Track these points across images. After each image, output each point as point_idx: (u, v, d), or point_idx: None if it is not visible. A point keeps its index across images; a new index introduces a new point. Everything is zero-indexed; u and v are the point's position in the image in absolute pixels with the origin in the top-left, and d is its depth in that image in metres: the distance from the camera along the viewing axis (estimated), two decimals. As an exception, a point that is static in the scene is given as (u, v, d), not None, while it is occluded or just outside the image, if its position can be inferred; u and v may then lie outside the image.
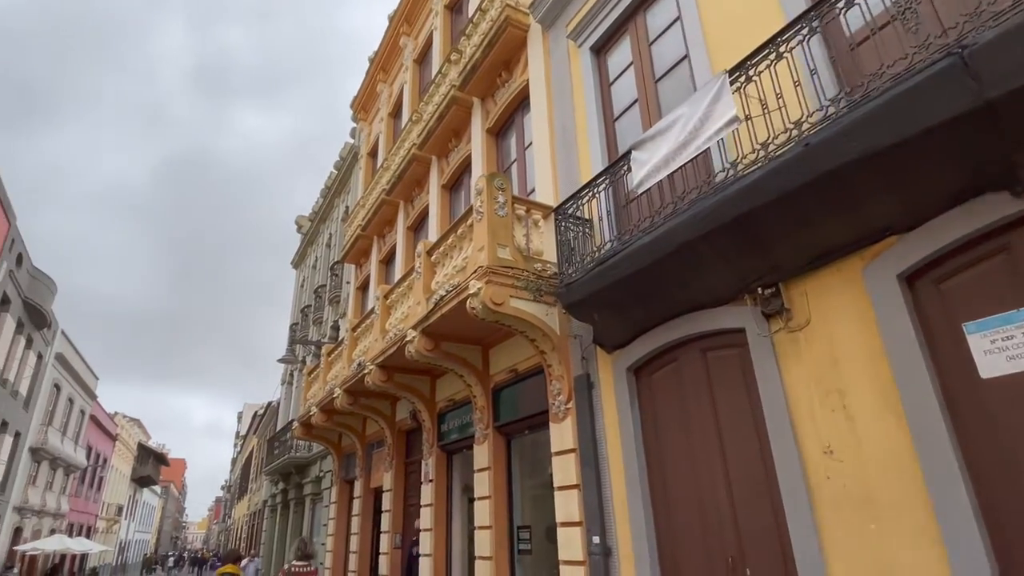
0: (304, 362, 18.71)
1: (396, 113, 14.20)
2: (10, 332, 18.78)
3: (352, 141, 18.66)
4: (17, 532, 23.41)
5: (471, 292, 5.82)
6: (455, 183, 10.38)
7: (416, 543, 8.45)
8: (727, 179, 4.05)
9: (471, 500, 8.66)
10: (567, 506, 5.57)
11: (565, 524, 5.55)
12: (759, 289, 4.12)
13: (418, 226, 11.80)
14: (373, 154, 15.60)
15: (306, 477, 15.49)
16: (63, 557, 27.82)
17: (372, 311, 9.52)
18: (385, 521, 9.80)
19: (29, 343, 21.04)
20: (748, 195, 3.75)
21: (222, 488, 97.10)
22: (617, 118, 6.34)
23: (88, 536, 31.32)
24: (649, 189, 4.76)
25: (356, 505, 11.37)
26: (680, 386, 4.82)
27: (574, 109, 6.84)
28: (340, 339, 11.12)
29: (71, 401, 27.91)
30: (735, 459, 4.28)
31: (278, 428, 20.63)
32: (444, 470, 8.61)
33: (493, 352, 7.50)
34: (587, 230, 5.84)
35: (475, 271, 5.96)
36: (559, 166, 6.87)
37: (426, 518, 8.43)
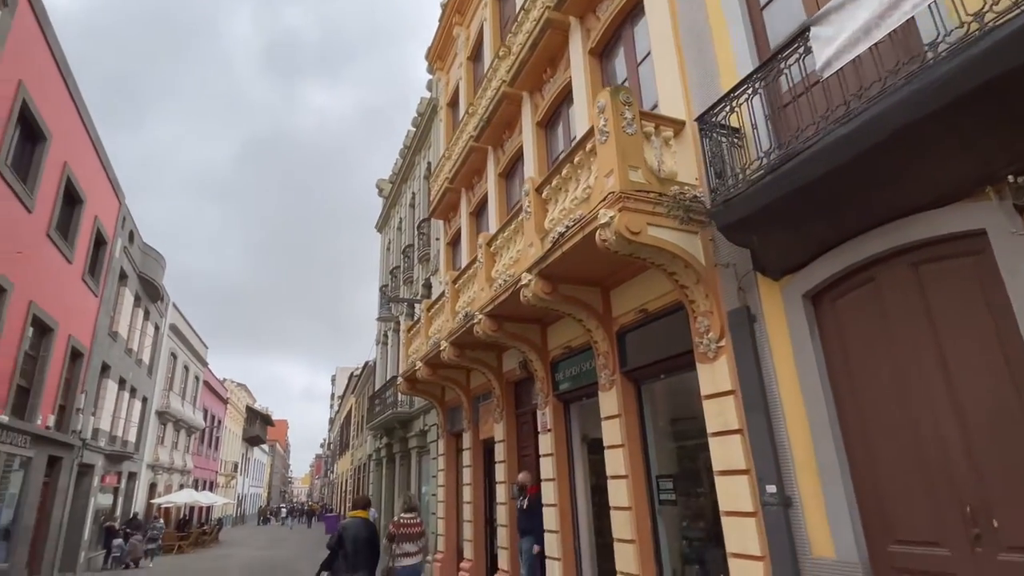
0: (399, 322, 18.95)
1: (476, 56, 13.49)
2: (130, 305, 20.18)
3: (429, 95, 18.18)
4: (152, 488, 25.87)
5: (601, 223, 5.20)
6: (551, 118, 9.66)
7: (523, 494, 8.26)
8: (966, 37, 3.14)
9: (592, 449, 8.32)
10: (727, 453, 4.98)
11: (726, 472, 4.97)
12: (1010, 177, 3.24)
13: (510, 172, 11.22)
14: (453, 104, 15.05)
15: (410, 431, 15.80)
16: (191, 509, 30.65)
17: (474, 261, 9.13)
18: (500, 471, 9.64)
19: (147, 315, 22.62)
20: (1011, 48, 2.86)
21: (321, 446, 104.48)
22: (765, 5, 5.38)
23: (211, 490, 34.34)
24: (833, 73, 3.89)
25: (466, 456, 11.33)
26: (880, 309, 4.03)
27: (705, 4, 5.91)
28: (441, 293, 10.89)
29: (186, 368, 30.14)
30: (971, 388, 3.49)
31: (376, 386, 21.26)
32: (562, 419, 8.23)
33: (616, 293, 6.90)
34: (736, 140, 5.02)
35: (604, 199, 5.32)
36: (690, 73, 6.00)
37: (546, 468, 8.13)
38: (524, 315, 8.32)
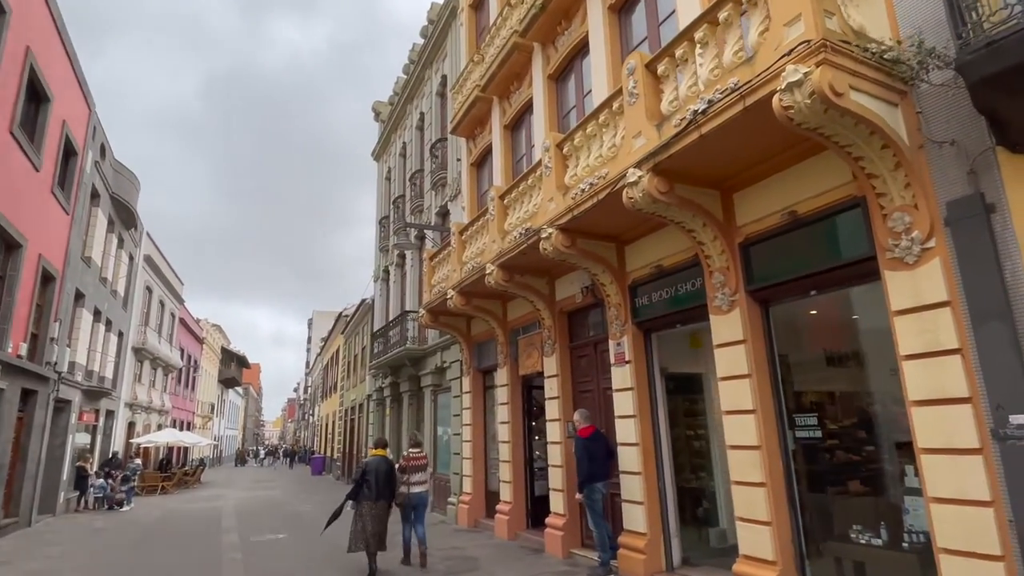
0: (403, 256, 17.58)
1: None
2: (103, 229, 18.24)
3: (440, 1, 16.23)
4: (130, 427, 24.50)
5: (790, 80, 3.99)
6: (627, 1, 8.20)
7: (576, 434, 7.31)
8: None
9: (674, 385, 7.39)
10: (935, 379, 3.99)
11: (931, 402, 4.01)
12: None
13: (560, 74, 9.78)
14: (478, 6, 13.28)
15: (423, 369, 14.75)
16: (171, 450, 29.48)
17: (537, 167, 7.85)
18: (553, 408, 8.67)
19: (120, 243, 20.66)
20: None
21: (294, 391, 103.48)
22: None
23: (188, 431, 33.12)
24: None
25: (501, 394, 10.34)
26: None
27: None
28: (481, 213, 9.59)
29: (162, 304, 28.29)
30: None
31: (375, 325, 20.03)
32: (643, 349, 7.21)
33: (743, 195, 5.75)
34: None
35: (795, 50, 4.08)
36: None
37: (624, 404, 7.16)
38: (603, 230, 7.17)
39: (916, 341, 4.13)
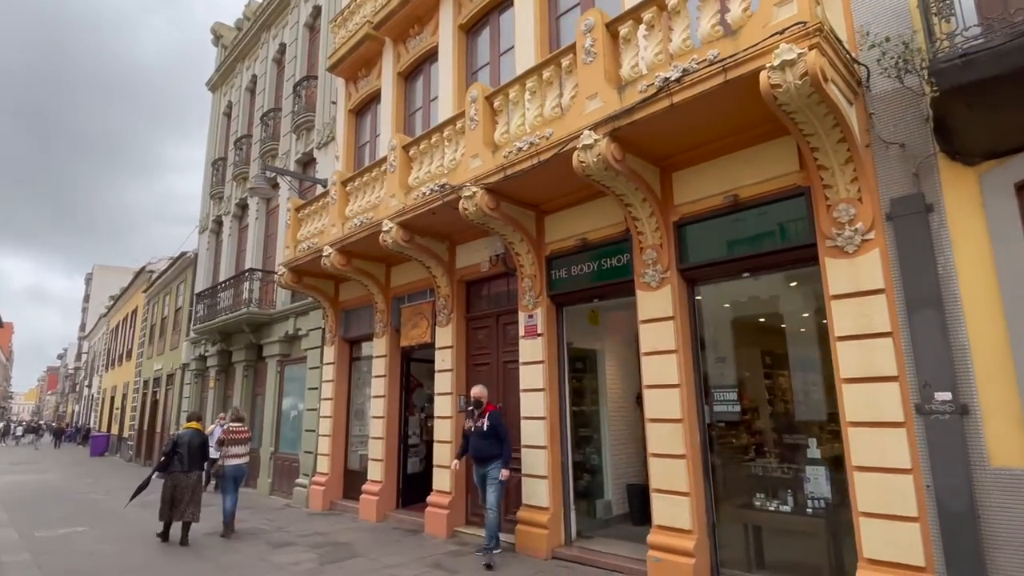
0: (245, 206, 15.29)
1: None
2: None
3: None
4: None
5: (785, 59, 4.04)
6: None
7: (479, 412, 6.66)
8: None
9: (577, 361, 7.38)
10: (866, 358, 4.38)
11: (860, 380, 4.39)
12: None
13: (475, 25, 9.13)
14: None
15: (267, 336, 12.97)
16: None
17: (455, 120, 7.23)
18: (445, 382, 8.14)
19: None
20: None
21: (59, 358, 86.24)
22: None
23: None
24: None
25: (379, 365, 9.47)
26: None
27: None
28: (376, 163, 8.58)
29: None
30: None
31: (200, 284, 17.24)
32: (555, 323, 7.04)
33: (682, 175, 5.80)
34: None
35: (789, 30, 4.13)
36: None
37: (533, 378, 6.94)
38: (529, 196, 6.83)
39: (851, 324, 4.49)
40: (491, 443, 6.48)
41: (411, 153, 7.94)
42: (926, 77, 3.96)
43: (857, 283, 4.50)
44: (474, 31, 9.14)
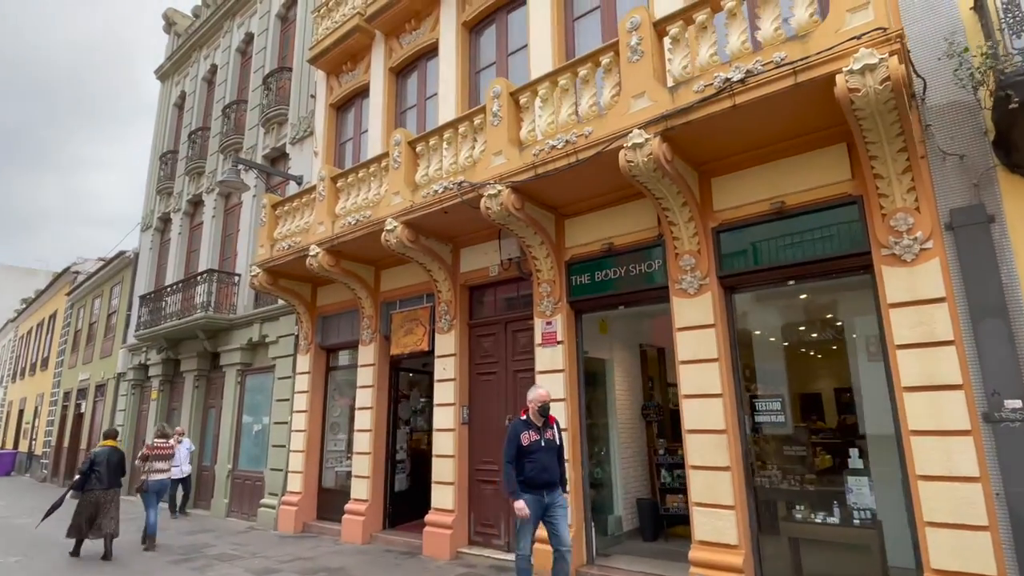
0: (200, 201, 14.16)
1: None
2: None
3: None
4: None
5: (866, 64, 4.03)
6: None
7: (544, 421, 5.16)
8: None
9: (587, 371, 7.14)
10: (928, 367, 4.37)
11: (922, 388, 4.38)
12: None
13: (479, 23, 8.84)
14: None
15: (227, 343, 11.90)
16: None
17: (470, 116, 6.92)
18: (447, 392, 7.66)
19: None
20: None
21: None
22: None
23: None
24: None
25: (365, 375, 8.85)
26: None
27: None
28: (377, 158, 8.07)
29: None
30: None
31: (142, 286, 15.77)
32: (574, 331, 6.78)
33: (720, 181, 5.72)
34: None
35: (868, 35, 4.13)
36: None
37: (552, 388, 6.54)
38: (553, 198, 6.59)
39: (910, 332, 4.48)
40: (557, 462, 5.16)
41: (418, 150, 7.51)
42: (993, 90, 4.03)
43: (916, 292, 4.51)
44: (478, 29, 8.85)
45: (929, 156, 4.67)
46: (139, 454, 8.67)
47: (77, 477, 7.76)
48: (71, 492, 7.77)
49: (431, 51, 9.33)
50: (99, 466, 7.68)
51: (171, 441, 9.02)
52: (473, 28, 8.87)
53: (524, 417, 5.17)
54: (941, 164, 4.61)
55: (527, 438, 4.99)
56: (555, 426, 5.24)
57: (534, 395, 5.18)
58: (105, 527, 7.54)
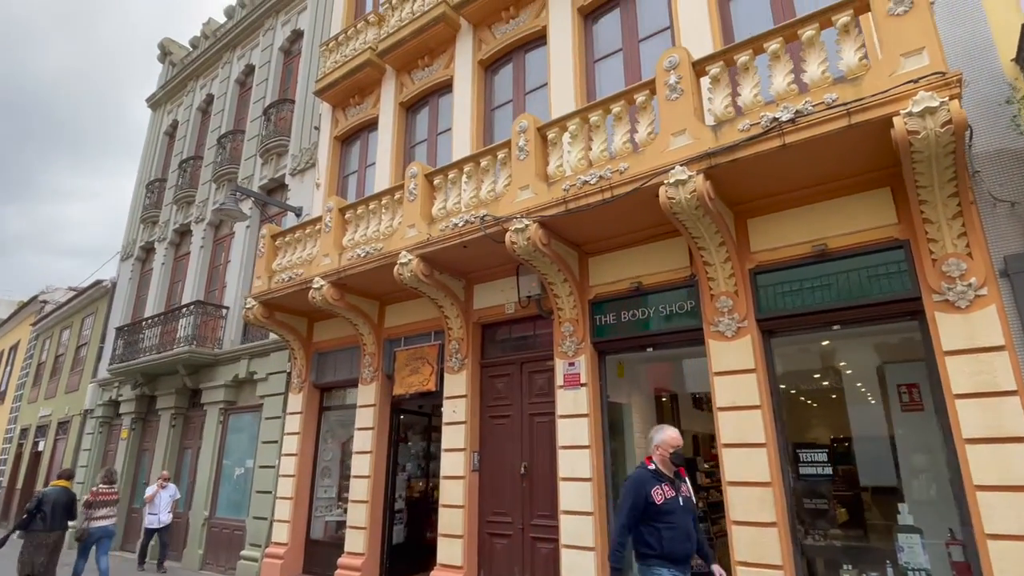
0: (188, 231, 13.66)
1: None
2: None
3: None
4: None
5: (926, 106, 4.01)
6: None
7: (676, 472, 4.12)
8: None
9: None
10: (993, 418, 4.18)
11: (986, 440, 4.18)
12: None
13: (494, 63, 8.84)
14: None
15: (211, 380, 11.22)
16: None
17: (493, 150, 6.80)
18: (456, 437, 7.23)
19: None
20: None
21: None
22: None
23: None
24: None
25: (364, 416, 8.35)
26: None
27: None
28: (393, 188, 7.84)
29: None
30: None
31: (120, 317, 15.00)
32: (597, 373, 6.49)
33: (756, 222, 5.61)
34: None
35: (926, 79, 4.11)
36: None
37: (575, 433, 6.28)
38: (579, 235, 6.41)
39: (970, 381, 4.32)
40: (692, 525, 3.99)
41: (435, 183, 7.31)
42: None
43: (973, 339, 4.37)
44: (494, 68, 8.85)
45: (978, 202, 4.63)
46: (83, 500, 8.47)
47: (23, 516, 7.50)
48: (16, 532, 7.52)
49: (444, 87, 9.28)
50: (45, 506, 7.42)
51: (115, 488, 8.72)
52: (489, 67, 8.86)
53: (651, 467, 4.03)
54: (991, 210, 4.56)
55: (660, 494, 3.84)
56: (686, 480, 4.16)
57: (663, 436, 4.04)
58: (36, 571, 7.23)
